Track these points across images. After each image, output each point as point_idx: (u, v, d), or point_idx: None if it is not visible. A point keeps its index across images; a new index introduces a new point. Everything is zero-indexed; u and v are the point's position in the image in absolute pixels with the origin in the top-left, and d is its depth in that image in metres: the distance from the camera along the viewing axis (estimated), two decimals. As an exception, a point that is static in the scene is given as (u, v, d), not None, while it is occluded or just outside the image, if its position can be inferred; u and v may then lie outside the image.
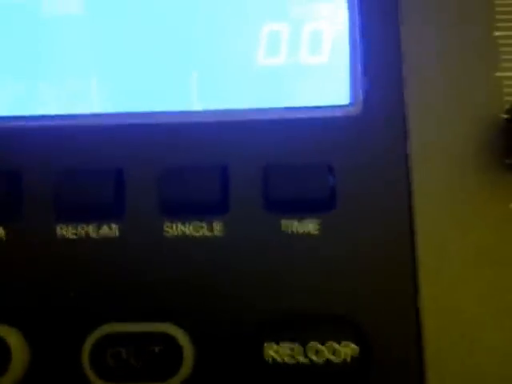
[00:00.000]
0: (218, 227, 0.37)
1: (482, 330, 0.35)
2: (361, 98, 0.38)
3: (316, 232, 0.37)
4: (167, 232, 0.37)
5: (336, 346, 0.35)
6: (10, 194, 0.39)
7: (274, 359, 0.36)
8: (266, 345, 0.36)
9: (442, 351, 0.36)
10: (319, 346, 0.35)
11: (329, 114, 0.38)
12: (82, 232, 0.38)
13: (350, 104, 0.38)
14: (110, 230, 0.37)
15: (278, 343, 0.35)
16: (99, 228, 0.37)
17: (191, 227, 0.37)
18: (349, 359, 0.36)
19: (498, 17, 0.38)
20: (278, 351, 0.36)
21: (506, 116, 0.37)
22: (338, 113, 0.38)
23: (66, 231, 0.38)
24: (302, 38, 0.40)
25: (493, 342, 0.35)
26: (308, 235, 0.36)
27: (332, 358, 0.36)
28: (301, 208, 0.37)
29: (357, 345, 0.35)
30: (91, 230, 0.38)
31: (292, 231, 0.37)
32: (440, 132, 0.37)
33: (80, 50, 0.42)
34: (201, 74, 0.40)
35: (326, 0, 0.41)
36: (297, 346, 0.36)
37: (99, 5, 0.42)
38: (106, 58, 0.41)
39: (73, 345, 0.37)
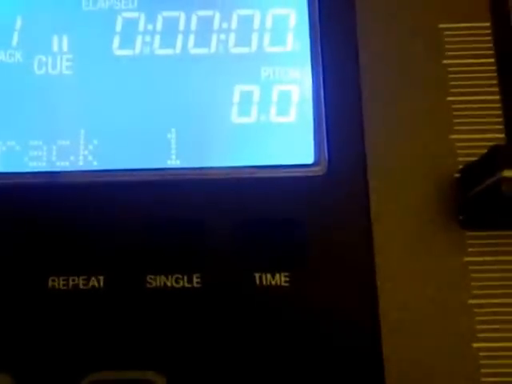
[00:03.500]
0: (196, 279, 0.34)
1: (440, 378, 0.32)
2: (326, 157, 0.35)
3: (286, 284, 0.34)
4: (150, 283, 0.34)
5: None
6: None
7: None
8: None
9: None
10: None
11: (296, 173, 0.35)
12: (72, 284, 0.34)
13: (316, 164, 0.35)
14: (98, 282, 0.34)
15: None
16: (88, 280, 0.34)
17: (173, 279, 0.34)
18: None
19: (451, 83, 0.35)
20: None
21: (458, 175, 0.34)
22: (305, 172, 0.35)
23: (58, 283, 0.34)
24: (272, 99, 0.37)
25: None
26: (279, 287, 0.33)
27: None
28: (271, 261, 0.34)
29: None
30: (80, 282, 0.34)
31: (264, 283, 0.34)
32: (399, 191, 0.35)
33: (68, 109, 0.40)
34: (179, 131, 0.37)
35: (294, 65, 0.37)
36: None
37: (87, 67, 0.40)
38: (92, 115, 0.40)
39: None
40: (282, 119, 0.39)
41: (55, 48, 0.40)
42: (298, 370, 0.35)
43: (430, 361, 0.34)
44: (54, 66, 0.40)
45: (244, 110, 0.39)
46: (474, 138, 0.37)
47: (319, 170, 0.37)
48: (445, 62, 0.38)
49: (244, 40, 0.40)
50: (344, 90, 0.38)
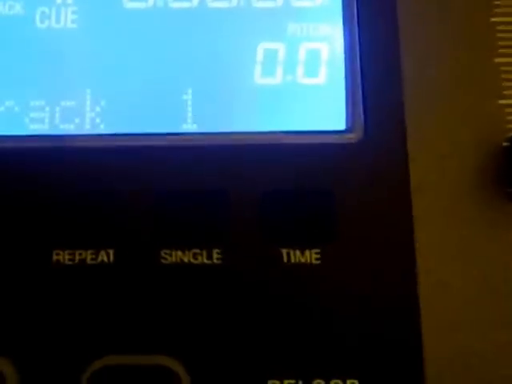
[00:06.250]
0: (216, 255, 0.29)
1: (485, 364, 0.28)
2: (361, 123, 0.31)
3: (317, 262, 0.29)
4: (165, 259, 0.29)
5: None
6: None
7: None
8: (269, 382, 0.28)
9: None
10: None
11: (328, 140, 0.30)
12: (79, 258, 0.30)
13: (350, 130, 0.31)
14: (107, 256, 0.29)
15: (281, 381, 0.28)
16: (96, 254, 0.30)
17: (190, 254, 0.29)
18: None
19: (499, 43, 0.31)
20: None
21: (507, 144, 0.30)
22: (338, 139, 0.31)
23: (63, 257, 0.30)
24: (299, 58, 0.33)
25: (496, 376, 0.28)
26: (309, 265, 0.29)
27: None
28: (301, 236, 0.30)
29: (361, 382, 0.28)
30: (88, 256, 0.29)
31: (292, 261, 0.29)
32: (441, 160, 0.31)
33: (73, 66, 0.36)
34: (196, 92, 0.32)
35: (324, 20, 0.33)
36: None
37: (94, 20, 0.36)
38: (100, 74, 0.36)
39: (70, 379, 0.30)
40: (310, 80, 0.35)
41: (59, -1, 0.36)
42: (331, 355, 0.31)
43: (474, 348, 0.30)
44: (57, 19, 0.36)
45: (268, 70, 0.35)
46: (524, 103, 0.32)
47: (353, 137, 0.33)
48: (493, 19, 0.34)
49: (268, -8, 0.35)
50: (381, 49, 0.33)
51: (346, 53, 0.34)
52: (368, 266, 0.32)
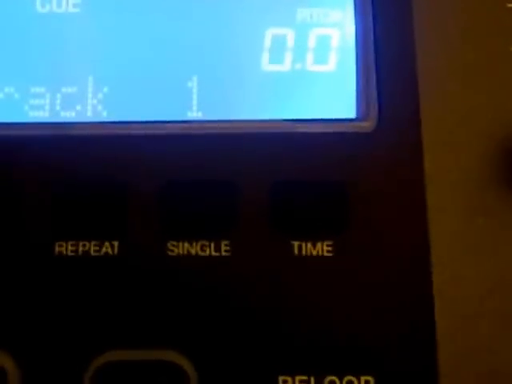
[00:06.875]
0: (225, 247, 0.28)
1: (499, 361, 0.27)
2: (374, 112, 0.30)
3: (329, 254, 0.28)
4: (172, 251, 0.28)
5: (355, 381, 0.27)
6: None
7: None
8: (280, 378, 0.27)
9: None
10: (337, 381, 0.27)
11: (341, 128, 0.29)
12: (82, 250, 0.28)
13: (364, 118, 0.30)
14: (111, 248, 0.28)
15: (293, 377, 0.27)
16: (100, 246, 0.28)
17: (197, 246, 0.28)
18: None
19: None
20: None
21: (523, 135, 0.29)
22: (350, 128, 0.30)
23: (65, 248, 0.28)
24: (308, 44, 0.33)
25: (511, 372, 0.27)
26: (320, 257, 0.28)
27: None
28: (312, 228, 0.29)
29: (375, 379, 0.27)
30: (92, 247, 0.28)
31: (303, 253, 0.28)
32: (457, 152, 0.30)
33: (75, 51, 0.34)
34: (201, 79, 0.31)
35: (334, 6, 0.32)
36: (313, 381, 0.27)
37: (96, 5, 0.35)
38: (102, 60, 0.34)
39: (72, 375, 0.29)
40: (319, 68, 0.34)
41: (60, -18, 0.35)
42: (344, 350, 0.30)
43: (489, 345, 0.29)
44: (59, 4, 0.35)
45: (276, 57, 0.34)
46: (542, 92, 0.31)
47: (366, 126, 0.32)
48: (510, 5, 0.33)
49: (277, -24, 0.34)
50: (394, 36, 0.32)
51: (358, 39, 0.33)
52: (381, 258, 0.30)
